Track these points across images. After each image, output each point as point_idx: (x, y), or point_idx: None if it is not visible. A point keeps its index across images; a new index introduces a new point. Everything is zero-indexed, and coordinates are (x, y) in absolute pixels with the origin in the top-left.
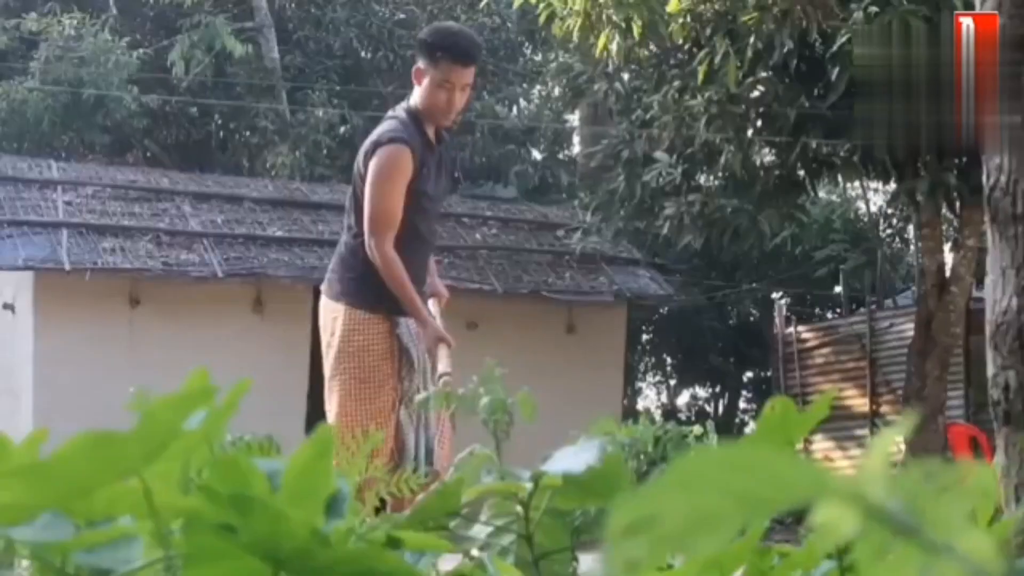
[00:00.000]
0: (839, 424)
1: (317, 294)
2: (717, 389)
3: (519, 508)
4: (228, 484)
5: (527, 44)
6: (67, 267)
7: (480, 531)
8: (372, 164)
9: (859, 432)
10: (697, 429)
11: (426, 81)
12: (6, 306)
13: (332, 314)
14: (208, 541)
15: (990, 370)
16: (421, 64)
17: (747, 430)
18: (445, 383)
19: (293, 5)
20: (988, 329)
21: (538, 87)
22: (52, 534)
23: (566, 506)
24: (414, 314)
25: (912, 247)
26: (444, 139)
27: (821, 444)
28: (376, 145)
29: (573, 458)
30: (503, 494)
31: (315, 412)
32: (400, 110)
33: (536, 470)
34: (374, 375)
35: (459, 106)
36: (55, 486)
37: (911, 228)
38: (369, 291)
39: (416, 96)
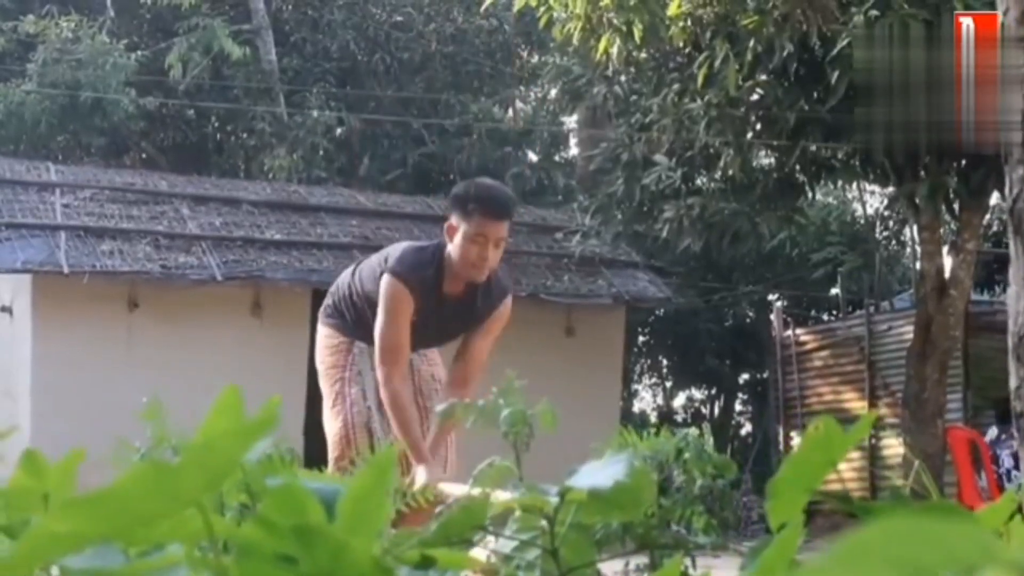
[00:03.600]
0: None
1: (315, 297)
2: (713, 391)
3: (544, 523)
4: (286, 514)
5: (523, 46)
6: (65, 270)
7: (505, 545)
8: (380, 294)
9: None
10: (693, 431)
11: (458, 236)
12: (4, 309)
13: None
14: (266, 572)
15: (1012, 382)
16: (453, 220)
17: (743, 432)
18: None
19: (290, 7)
20: (1011, 341)
21: (534, 89)
22: (102, 563)
23: (588, 520)
24: (413, 454)
25: (908, 249)
26: (480, 297)
27: None
28: (383, 270)
29: (599, 473)
30: (529, 508)
31: (313, 416)
32: (436, 247)
33: (563, 485)
34: (328, 381)
35: (493, 262)
36: (115, 517)
37: (907, 230)
38: (336, 318)
39: (449, 247)
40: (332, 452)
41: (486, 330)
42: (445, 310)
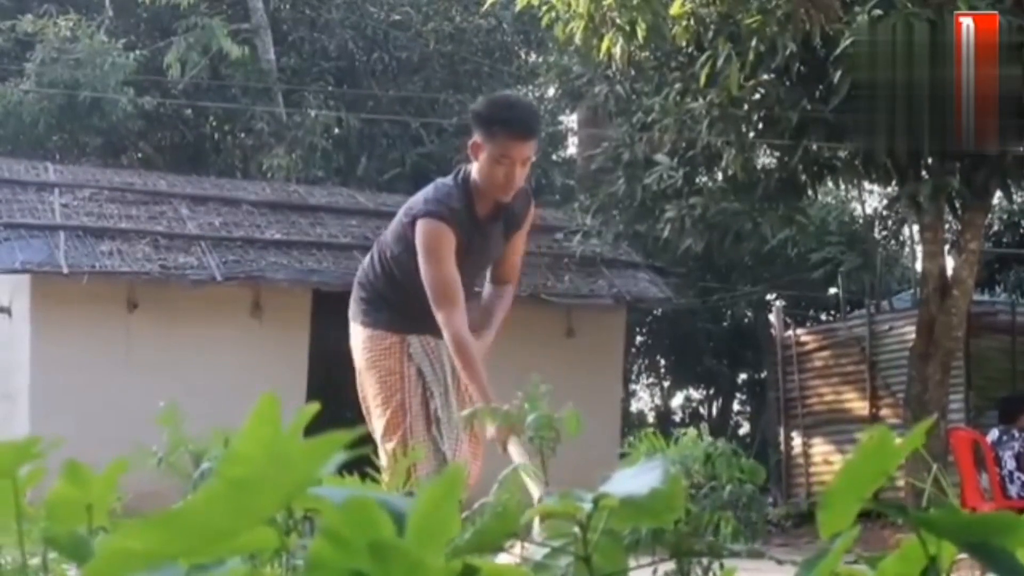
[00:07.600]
0: (838, 427)
1: (315, 297)
2: (711, 391)
3: (577, 529)
4: (356, 528)
5: (522, 46)
6: (65, 270)
7: (536, 552)
8: (418, 240)
9: (859, 435)
10: (691, 431)
11: (483, 156)
12: (3, 309)
13: (352, 336)
14: None
15: None
16: (477, 137)
17: (741, 432)
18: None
19: (288, 7)
20: None
21: (531, 87)
22: None
23: (619, 525)
24: (481, 397)
25: (907, 249)
26: (511, 209)
27: (821, 447)
28: (416, 216)
29: (634, 480)
30: (562, 515)
31: (313, 416)
32: (457, 176)
33: (598, 491)
34: (383, 389)
35: (520, 181)
36: (190, 535)
37: (906, 230)
38: (379, 312)
39: (473, 170)
40: (387, 450)
41: (521, 231)
42: (484, 235)
